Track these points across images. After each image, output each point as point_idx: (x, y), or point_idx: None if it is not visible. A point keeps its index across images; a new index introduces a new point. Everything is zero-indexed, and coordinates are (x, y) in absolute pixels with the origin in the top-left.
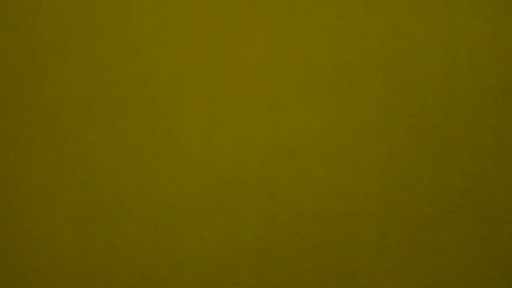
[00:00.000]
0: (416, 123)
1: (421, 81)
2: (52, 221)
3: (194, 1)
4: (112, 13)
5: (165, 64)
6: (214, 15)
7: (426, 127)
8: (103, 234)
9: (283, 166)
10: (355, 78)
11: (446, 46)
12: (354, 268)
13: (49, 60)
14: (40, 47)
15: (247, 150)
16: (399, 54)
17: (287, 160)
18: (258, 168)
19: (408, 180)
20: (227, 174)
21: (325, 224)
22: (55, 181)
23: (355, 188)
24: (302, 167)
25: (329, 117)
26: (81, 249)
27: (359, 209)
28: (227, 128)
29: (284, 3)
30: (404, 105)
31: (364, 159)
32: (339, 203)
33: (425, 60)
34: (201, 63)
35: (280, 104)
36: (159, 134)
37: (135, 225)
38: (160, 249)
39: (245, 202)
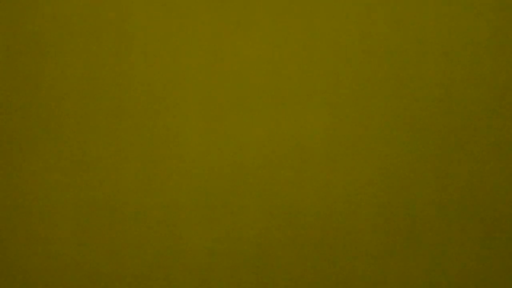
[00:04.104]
0: (416, 123)
1: (421, 81)
2: (52, 221)
3: (194, 1)
4: (112, 13)
5: (165, 64)
6: (214, 15)
7: (426, 127)
8: (103, 234)
9: (283, 166)
10: (355, 78)
11: (447, 46)
12: (354, 268)
13: (49, 60)
14: (40, 47)
15: (247, 150)
16: (399, 54)
17: (287, 160)
18: (258, 168)
19: (408, 180)
20: (227, 174)
21: (325, 224)
22: (55, 181)
23: (355, 188)
24: (302, 167)
25: (329, 117)
26: (81, 249)
27: (359, 209)
28: (227, 128)
29: (284, 3)
30: (404, 105)
31: (364, 159)
32: (339, 203)
33: (425, 60)
34: (201, 63)
35: (280, 104)
36: (159, 134)
37: (135, 225)
38: (160, 249)
39: (245, 202)
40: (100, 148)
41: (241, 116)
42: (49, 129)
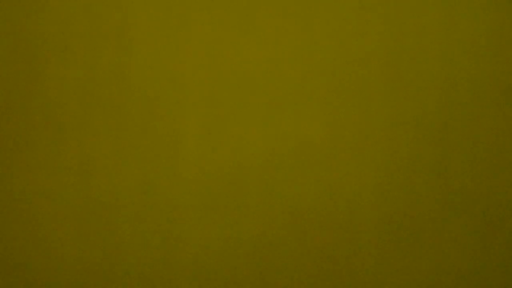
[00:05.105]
0: (416, 123)
1: (421, 82)
2: (52, 221)
3: (195, 2)
4: (112, 13)
5: (165, 65)
6: (215, 16)
7: (426, 127)
8: (103, 234)
9: (283, 166)
10: (355, 79)
11: (446, 46)
12: (354, 268)
13: (49, 60)
14: (40, 47)
15: (247, 151)
16: (398, 55)
17: (287, 161)
18: (258, 168)
19: (408, 180)
20: (227, 174)
21: (325, 224)
22: (55, 181)
23: (355, 188)
24: (302, 168)
25: (329, 118)
26: (81, 249)
27: (359, 209)
28: (227, 129)
29: (284, 4)
30: (403, 105)
31: (364, 159)
32: (339, 203)
33: (425, 61)
34: (201, 64)
35: (280, 105)
36: (159, 135)
37: (135, 225)
38: (160, 249)
39: (245, 202)
40: (100, 148)
41: (241, 116)
42: (50, 129)
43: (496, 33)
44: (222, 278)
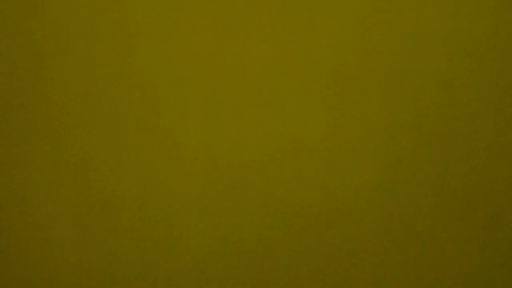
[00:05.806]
0: (416, 123)
1: (421, 82)
2: (51, 221)
3: (194, 1)
4: (111, 13)
5: (165, 65)
6: (215, 15)
7: (426, 127)
8: (102, 234)
9: (283, 166)
10: (355, 79)
11: (446, 46)
12: (354, 268)
13: (49, 60)
14: (40, 47)
15: (247, 150)
16: (399, 54)
17: (287, 160)
18: (258, 168)
19: (408, 180)
20: (227, 174)
21: (325, 224)
22: (55, 181)
23: (355, 187)
24: (302, 167)
25: (329, 118)
26: (80, 249)
27: (359, 208)
28: (227, 128)
29: (284, 3)
30: (404, 105)
31: (364, 159)
32: (339, 202)
33: (425, 60)
34: (201, 63)
35: (281, 104)
36: (159, 135)
37: (134, 225)
38: (159, 249)
39: (245, 202)
40: (100, 148)
41: (241, 116)
42: (49, 129)
43: (496, 33)
44: (222, 278)
